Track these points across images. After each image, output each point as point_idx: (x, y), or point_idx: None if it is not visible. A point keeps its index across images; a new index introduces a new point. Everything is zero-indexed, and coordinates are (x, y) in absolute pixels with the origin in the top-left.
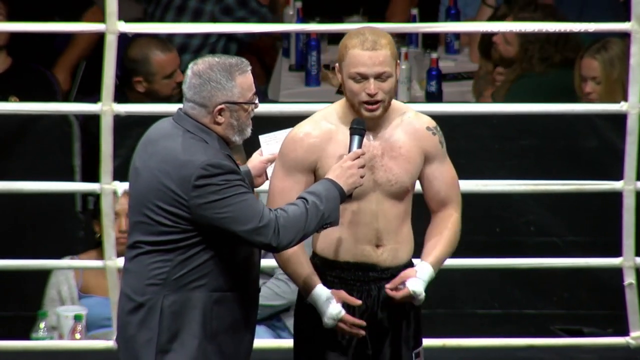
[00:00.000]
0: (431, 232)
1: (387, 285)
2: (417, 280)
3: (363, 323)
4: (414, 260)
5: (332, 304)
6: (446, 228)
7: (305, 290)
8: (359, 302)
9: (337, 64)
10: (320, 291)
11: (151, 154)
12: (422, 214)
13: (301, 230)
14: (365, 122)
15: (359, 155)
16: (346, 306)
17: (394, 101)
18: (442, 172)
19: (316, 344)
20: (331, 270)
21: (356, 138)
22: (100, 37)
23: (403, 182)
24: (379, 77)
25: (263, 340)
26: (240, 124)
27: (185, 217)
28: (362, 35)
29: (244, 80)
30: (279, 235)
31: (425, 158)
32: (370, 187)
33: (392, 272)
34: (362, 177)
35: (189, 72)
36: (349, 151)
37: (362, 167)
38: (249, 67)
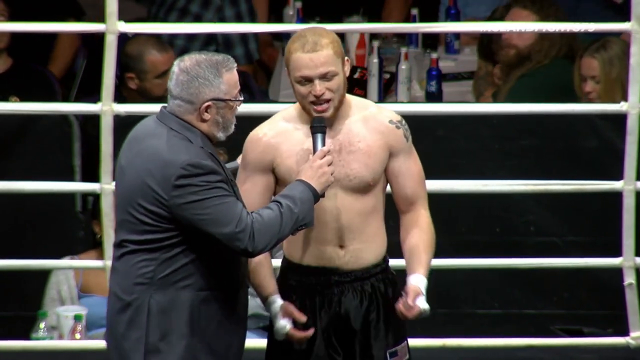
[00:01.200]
0: (409, 238)
1: (401, 304)
2: (423, 298)
3: (308, 335)
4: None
5: (278, 321)
6: (423, 232)
7: (264, 304)
8: (304, 318)
9: (286, 69)
10: (272, 306)
11: (136, 152)
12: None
13: (276, 234)
14: (324, 119)
15: (326, 153)
16: (308, 309)
17: (356, 98)
18: (408, 167)
19: (286, 349)
20: (294, 275)
21: (319, 136)
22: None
23: (363, 176)
24: (323, 77)
25: (261, 340)
26: (225, 120)
27: (166, 217)
28: (303, 37)
29: (231, 77)
30: (254, 240)
31: (390, 153)
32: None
33: (356, 274)
34: (332, 174)
35: (175, 69)
36: (314, 150)
37: (331, 164)
38: (235, 65)
